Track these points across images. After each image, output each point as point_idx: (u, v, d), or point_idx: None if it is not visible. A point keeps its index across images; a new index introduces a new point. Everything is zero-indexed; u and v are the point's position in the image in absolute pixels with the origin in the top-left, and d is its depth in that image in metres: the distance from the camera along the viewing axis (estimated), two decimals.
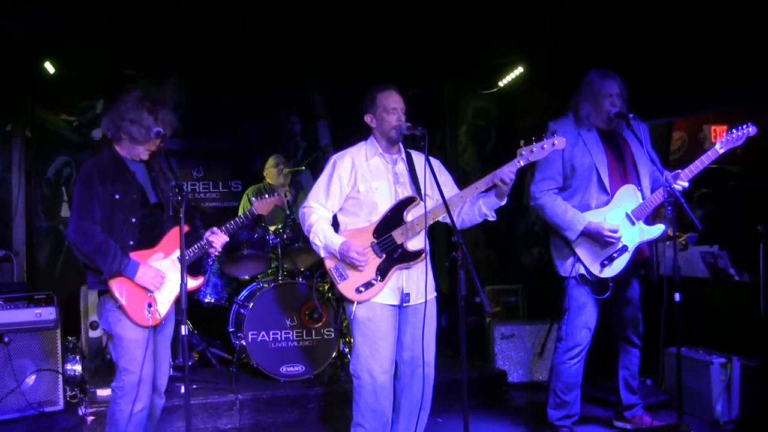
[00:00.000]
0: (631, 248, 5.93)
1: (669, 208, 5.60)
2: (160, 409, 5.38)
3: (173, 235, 5.23)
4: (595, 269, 5.98)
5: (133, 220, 5.07)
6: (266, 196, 5.92)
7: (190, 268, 5.20)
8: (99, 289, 5.09)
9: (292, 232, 7.71)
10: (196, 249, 5.24)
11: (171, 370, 5.45)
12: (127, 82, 8.99)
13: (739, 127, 5.84)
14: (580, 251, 6.00)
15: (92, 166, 5.05)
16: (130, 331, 5.01)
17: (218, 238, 5.29)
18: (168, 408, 5.42)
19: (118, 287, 4.96)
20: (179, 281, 5.01)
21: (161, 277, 5.10)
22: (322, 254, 5.45)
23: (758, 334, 6.50)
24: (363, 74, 8.10)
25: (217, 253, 6.89)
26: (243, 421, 6.87)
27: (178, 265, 5.15)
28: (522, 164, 5.26)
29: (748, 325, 6.63)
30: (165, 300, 5.14)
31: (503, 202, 5.39)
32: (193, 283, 5.28)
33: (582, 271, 6.02)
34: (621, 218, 5.92)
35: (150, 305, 5.03)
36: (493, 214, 5.48)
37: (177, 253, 5.20)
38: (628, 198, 5.95)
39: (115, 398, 5.07)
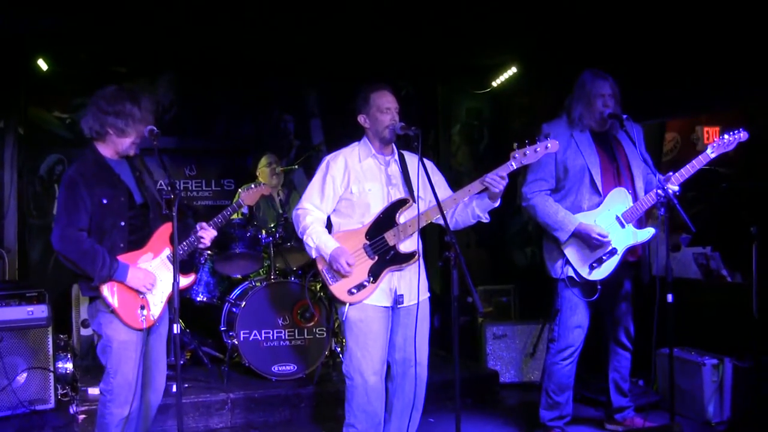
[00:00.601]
0: (621, 251, 5.93)
1: (662, 209, 5.60)
2: (155, 408, 5.34)
3: (161, 234, 5.21)
4: (584, 271, 5.97)
5: (122, 223, 5.02)
6: (252, 186, 5.91)
7: (182, 265, 5.18)
8: (91, 296, 5.03)
9: (285, 231, 7.71)
10: (185, 245, 5.21)
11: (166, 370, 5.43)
12: (120, 79, 9.01)
13: (731, 132, 5.86)
14: (569, 253, 6.00)
15: (76, 172, 4.96)
16: (122, 333, 4.97)
17: (207, 233, 5.28)
18: (160, 407, 5.38)
19: (109, 292, 4.92)
20: (170, 280, 5.02)
21: (152, 277, 5.08)
22: (314, 255, 5.44)
23: (750, 335, 6.50)
24: (356, 73, 8.12)
25: (208, 253, 6.89)
26: (235, 420, 6.86)
27: (169, 264, 5.16)
28: (515, 167, 5.25)
29: (740, 326, 6.63)
30: (157, 301, 5.11)
31: (496, 204, 5.39)
32: (184, 281, 5.26)
33: (571, 273, 6.02)
34: (611, 221, 5.92)
35: (143, 307, 5.00)
36: (487, 216, 5.48)
37: (167, 252, 5.19)
38: (619, 201, 5.95)
39: (104, 401, 5.03)
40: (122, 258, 4.98)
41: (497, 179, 5.19)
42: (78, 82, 8.92)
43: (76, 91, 9.08)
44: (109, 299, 4.92)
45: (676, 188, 5.69)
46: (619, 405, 6.46)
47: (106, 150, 5.11)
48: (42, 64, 8.65)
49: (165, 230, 5.21)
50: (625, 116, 5.81)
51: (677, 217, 5.54)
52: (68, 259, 4.89)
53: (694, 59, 7.23)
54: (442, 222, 5.01)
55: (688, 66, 7.32)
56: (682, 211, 5.47)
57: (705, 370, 6.62)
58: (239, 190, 8.91)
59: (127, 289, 4.98)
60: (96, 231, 4.94)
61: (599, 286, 5.97)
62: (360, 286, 5.33)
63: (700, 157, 5.83)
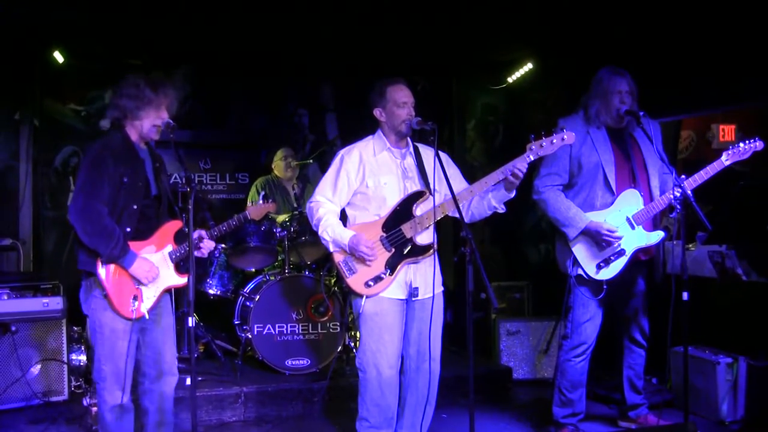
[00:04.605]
0: (629, 252, 5.91)
1: (678, 207, 5.59)
2: (171, 400, 5.33)
3: (167, 230, 5.25)
4: (591, 270, 5.96)
5: (134, 207, 5.05)
6: (260, 202, 5.96)
7: (180, 264, 5.23)
8: (86, 270, 5.02)
9: (299, 225, 7.70)
10: (186, 246, 5.22)
11: (176, 362, 5.43)
12: (135, 72, 9.02)
13: (747, 141, 5.87)
14: (578, 251, 5.99)
15: (104, 146, 5.01)
16: (113, 321, 4.99)
17: (205, 245, 5.31)
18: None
19: (105, 274, 4.94)
20: (166, 277, 5.13)
21: (156, 272, 5.10)
22: (331, 248, 5.45)
23: (765, 334, 6.48)
24: (372, 68, 8.11)
25: (222, 246, 6.91)
26: (248, 413, 6.87)
27: (168, 261, 5.21)
28: (532, 159, 5.26)
29: (755, 325, 6.62)
30: (150, 294, 5.11)
31: (512, 195, 5.40)
32: (180, 279, 5.26)
33: (580, 271, 6.01)
34: (621, 222, 5.90)
35: (135, 298, 5.00)
36: (503, 207, 5.47)
37: (169, 248, 5.22)
38: (631, 202, 5.94)
39: (99, 389, 5.07)
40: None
41: (516, 171, 5.19)
42: (93, 74, 8.95)
43: (92, 84, 9.12)
44: (104, 280, 4.93)
45: (689, 192, 5.65)
46: (632, 402, 6.45)
47: (131, 133, 5.15)
48: (58, 57, 8.65)
49: (171, 227, 5.26)
50: (642, 113, 5.81)
51: (694, 214, 5.52)
52: (85, 230, 4.88)
53: (710, 57, 7.21)
54: (458, 215, 5.00)
55: (704, 63, 7.30)
56: (699, 210, 5.45)
57: (719, 368, 6.60)
58: (255, 184, 8.94)
59: (124, 276, 4.99)
60: (110, 209, 4.95)
61: (605, 286, 5.96)
62: (377, 279, 5.34)
63: (714, 164, 5.84)
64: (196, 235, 5.24)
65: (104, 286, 4.94)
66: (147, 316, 5.10)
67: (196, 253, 5.29)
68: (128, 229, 5.03)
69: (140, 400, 5.27)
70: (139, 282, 5.04)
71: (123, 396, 5.03)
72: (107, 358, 5.00)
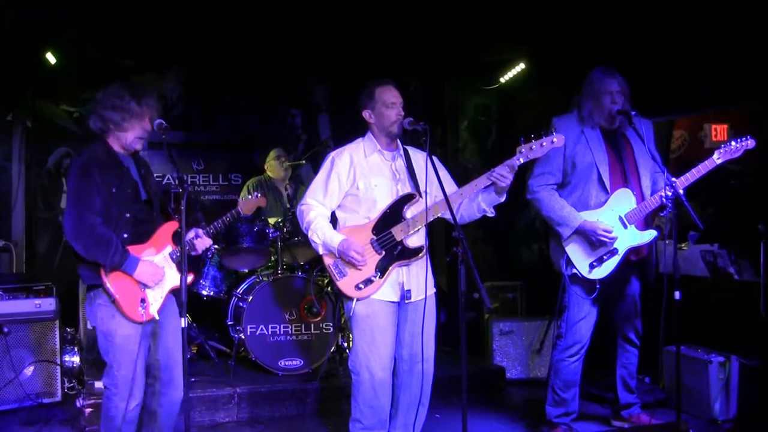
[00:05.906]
0: (622, 252, 5.90)
1: (669, 206, 5.59)
2: (179, 404, 5.30)
3: (164, 231, 5.23)
4: (584, 270, 5.95)
5: (128, 215, 5.04)
6: (250, 196, 5.99)
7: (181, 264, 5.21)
8: (92, 283, 5.01)
9: (292, 226, 7.69)
10: (186, 246, 5.22)
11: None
12: (128, 73, 9.04)
13: (738, 139, 5.85)
14: (571, 250, 5.98)
15: (89, 158, 4.99)
16: (124, 327, 4.97)
17: (201, 242, 5.32)
18: None
19: (112, 282, 4.92)
20: (170, 278, 5.11)
21: (161, 273, 5.09)
22: (321, 251, 5.44)
23: (758, 333, 6.49)
24: (364, 68, 8.11)
25: (215, 247, 6.89)
26: (241, 414, 6.86)
27: (170, 262, 5.19)
28: (521, 161, 5.24)
29: (747, 324, 6.63)
30: (157, 296, 5.11)
31: (502, 199, 5.38)
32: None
33: (573, 270, 6.01)
34: (614, 221, 5.90)
35: (143, 300, 4.99)
36: (492, 210, 5.46)
37: (168, 249, 5.20)
38: (623, 201, 5.93)
39: (109, 395, 5.04)
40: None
41: (504, 174, 5.19)
42: (86, 75, 8.93)
43: (84, 85, 9.10)
44: (111, 289, 4.91)
45: (681, 192, 5.65)
46: (626, 402, 6.45)
47: (114, 143, 5.12)
48: (50, 58, 8.66)
49: (168, 228, 5.24)
50: (633, 112, 5.80)
51: (685, 214, 5.53)
52: (81, 244, 4.88)
53: (702, 57, 7.22)
54: (448, 217, 5.00)
55: (696, 64, 7.31)
56: (691, 209, 5.46)
57: (711, 368, 6.60)
58: (247, 184, 8.93)
59: (129, 281, 4.97)
60: (103, 219, 4.94)
61: (598, 285, 5.96)
62: (367, 282, 5.33)
63: (706, 162, 5.82)
64: (192, 234, 5.27)
65: (111, 293, 4.93)
66: (157, 317, 5.11)
67: (192, 253, 5.33)
68: (125, 235, 5.01)
69: (149, 403, 5.25)
70: (144, 285, 5.03)
71: (134, 401, 5.03)
72: (120, 365, 4.99)
